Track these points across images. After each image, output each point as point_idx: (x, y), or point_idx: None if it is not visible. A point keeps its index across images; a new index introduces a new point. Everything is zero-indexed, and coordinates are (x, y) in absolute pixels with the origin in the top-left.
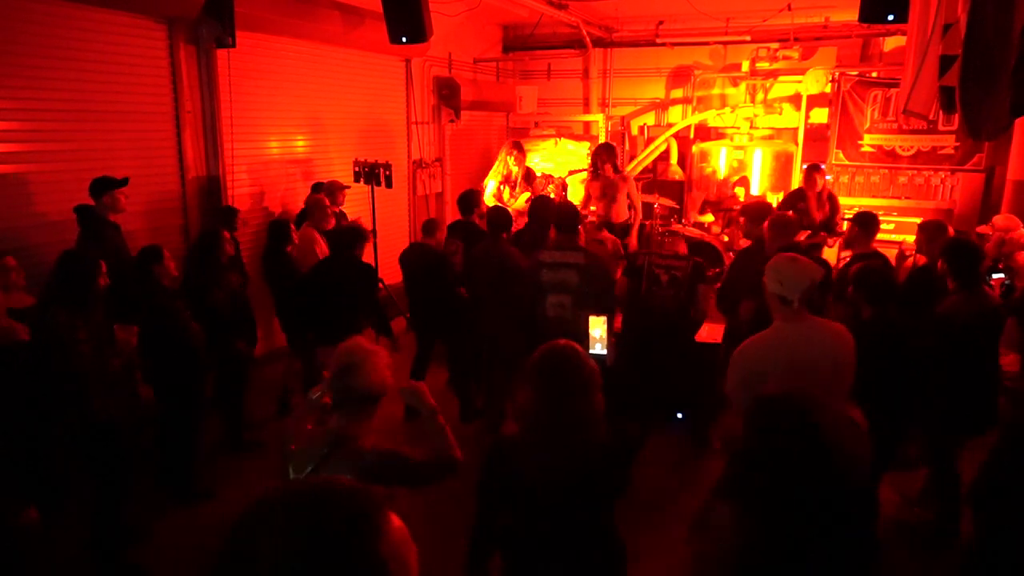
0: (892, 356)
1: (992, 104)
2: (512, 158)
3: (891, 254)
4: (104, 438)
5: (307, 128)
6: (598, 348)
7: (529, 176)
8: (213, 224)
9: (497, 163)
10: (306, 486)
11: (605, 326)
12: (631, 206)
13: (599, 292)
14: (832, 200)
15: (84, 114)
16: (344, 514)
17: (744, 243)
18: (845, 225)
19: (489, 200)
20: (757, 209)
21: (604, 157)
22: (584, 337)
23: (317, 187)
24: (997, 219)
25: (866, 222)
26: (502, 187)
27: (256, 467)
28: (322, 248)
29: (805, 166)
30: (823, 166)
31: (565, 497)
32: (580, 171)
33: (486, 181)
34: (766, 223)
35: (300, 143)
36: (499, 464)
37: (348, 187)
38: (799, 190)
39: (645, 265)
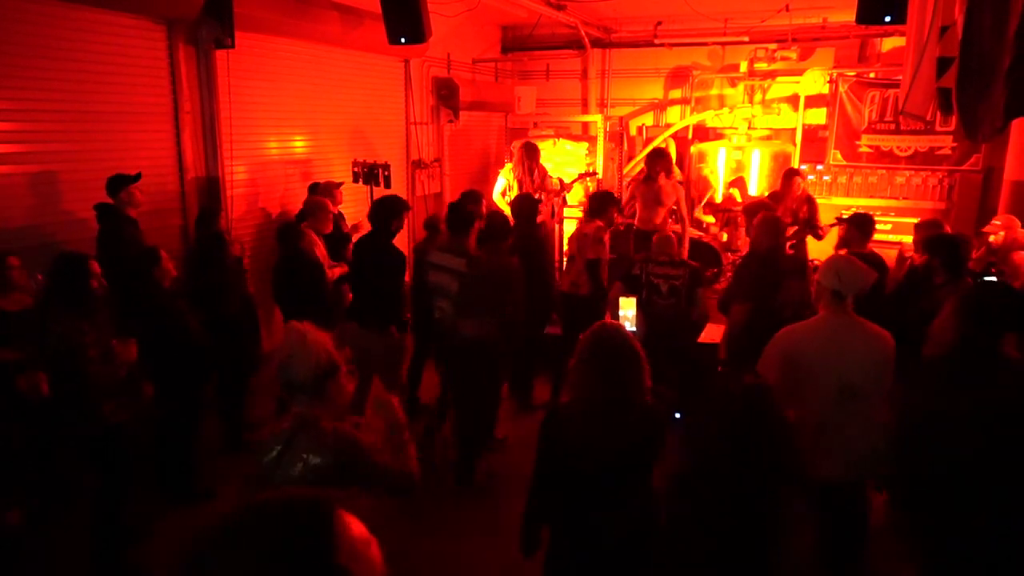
0: None
1: (988, 106)
2: (531, 162)
3: (890, 254)
4: (109, 441)
5: (306, 128)
6: (627, 326)
7: (544, 178)
8: (199, 225)
9: (510, 164)
10: (256, 505)
11: (635, 305)
12: (674, 213)
13: (479, 297)
14: (810, 202)
15: (83, 115)
16: (297, 531)
17: (745, 242)
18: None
19: (497, 199)
20: (759, 208)
21: (658, 165)
22: (473, 351)
23: (313, 187)
24: (1000, 218)
25: (862, 223)
26: (519, 188)
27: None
28: (321, 251)
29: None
30: (802, 171)
31: (615, 461)
32: (588, 174)
33: (499, 177)
34: (755, 221)
35: (299, 143)
36: (554, 433)
37: (342, 183)
38: (774, 193)
39: (642, 275)
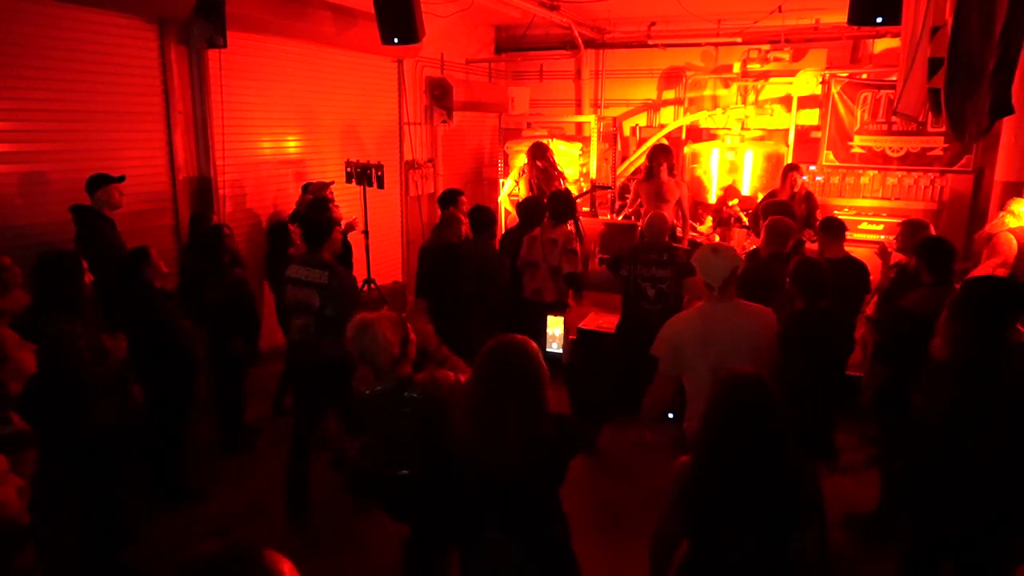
0: (821, 347)
1: (974, 106)
2: (537, 163)
3: (859, 252)
4: (100, 443)
5: (299, 129)
6: (554, 347)
7: (548, 175)
8: (193, 227)
9: (517, 166)
10: (190, 560)
11: (563, 325)
12: (680, 211)
13: (343, 311)
14: (810, 199)
15: (74, 114)
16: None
17: (740, 243)
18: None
19: (503, 201)
20: (778, 209)
21: (660, 159)
22: (342, 370)
23: (307, 188)
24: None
25: (833, 226)
26: (517, 186)
27: (249, 468)
28: None
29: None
30: (800, 166)
31: (506, 487)
32: (602, 187)
33: (504, 180)
34: (763, 224)
35: (292, 144)
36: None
37: (332, 182)
38: (772, 193)
39: (630, 277)
